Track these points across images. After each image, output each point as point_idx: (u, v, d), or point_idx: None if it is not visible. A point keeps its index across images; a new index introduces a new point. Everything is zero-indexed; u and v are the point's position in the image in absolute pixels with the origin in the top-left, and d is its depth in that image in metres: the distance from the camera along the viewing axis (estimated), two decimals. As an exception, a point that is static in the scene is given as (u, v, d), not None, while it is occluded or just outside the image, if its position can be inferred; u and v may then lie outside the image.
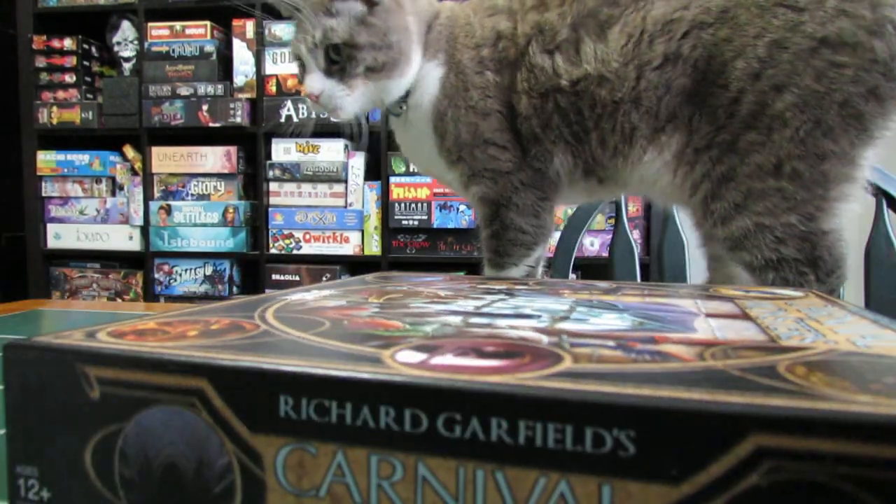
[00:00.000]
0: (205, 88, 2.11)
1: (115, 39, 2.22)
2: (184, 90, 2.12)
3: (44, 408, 0.22)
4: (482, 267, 0.65)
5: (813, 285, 0.47)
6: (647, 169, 0.56)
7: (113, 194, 2.23)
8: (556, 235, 2.08)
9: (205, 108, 2.11)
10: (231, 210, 2.14)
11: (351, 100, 0.60)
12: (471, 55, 0.61)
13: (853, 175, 0.48)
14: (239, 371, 0.20)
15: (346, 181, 2.10)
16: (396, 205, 2.03)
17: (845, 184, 0.48)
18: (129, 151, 2.21)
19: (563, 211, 1.97)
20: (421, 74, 0.61)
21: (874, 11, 0.45)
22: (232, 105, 2.09)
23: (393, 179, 2.04)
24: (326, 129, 2.10)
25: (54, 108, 2.16)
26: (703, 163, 0.51)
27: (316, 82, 0.60)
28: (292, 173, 2.10)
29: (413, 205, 2.02)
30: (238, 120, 2.09)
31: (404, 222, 2.04)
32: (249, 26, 2.12)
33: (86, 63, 2.25)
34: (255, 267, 2.17)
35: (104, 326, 0.25)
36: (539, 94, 0.58)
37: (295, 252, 2.12)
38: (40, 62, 2.21)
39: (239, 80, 2.13)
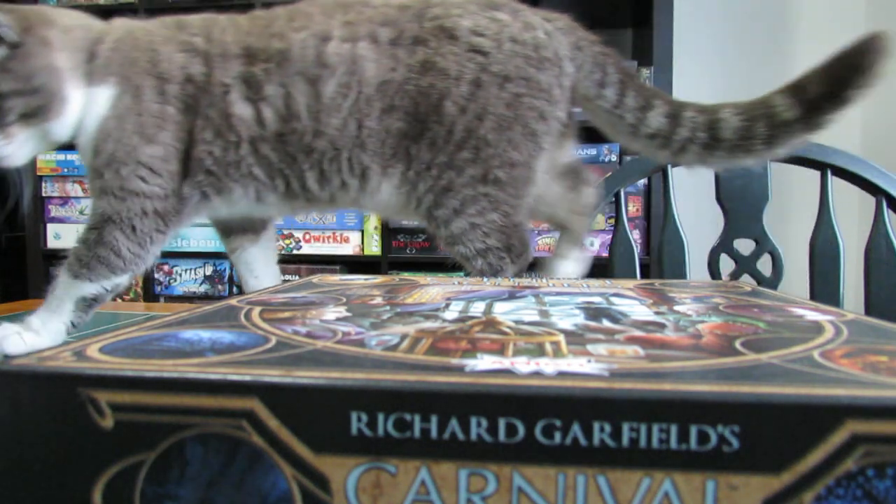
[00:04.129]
0: (205, 88, 2.10)
1: (114, 39, 2.22)
2: (184, 90, 2.11)
3: (37, 443, 0.19)
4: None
5: (508, 267, 0.60)
6: (380, 195, 0.63)
7: (113, 194, 2.23)
8: (557, 235, 2.08)
9: (205, 107, 2.10)
10: (231, 210, 2.14)
11: (13, 148, 0.58)
12: (152, 83, 0.60)
13: (533, 179, 0.61)
14: (300, 388, 0.18)
15: (345, 181, 2.10)
16: (396, 205, 2.03)
17: (529, 186, 0.60)
18: (129, 151, 2.21)
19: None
20: (87, 101, 0.60)
21: (537, 51, 0.58)
22: (232, 105, 2.09)
23: (393, 179, 2.03)
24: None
25: (54, 108, 2.16)
26: (425, 181, 0.60)
27: None
28: (292, 173, 2.10)
29: (413, 205, 2.02)
30: (238, 120, 2.08)
31: (404, 222, 2.03)
32: (249, 26, 2.12)
33: (86, 63, 2.24)
34: (254, 267, 2.17)
35: (89, 341, 0.23)
36: (229, 141, 0.60)
37: (295, 252, 2.11)
38: (40, 62, 2.21)
39: (239, 79, 2.13)
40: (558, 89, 0.60)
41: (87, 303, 0.60)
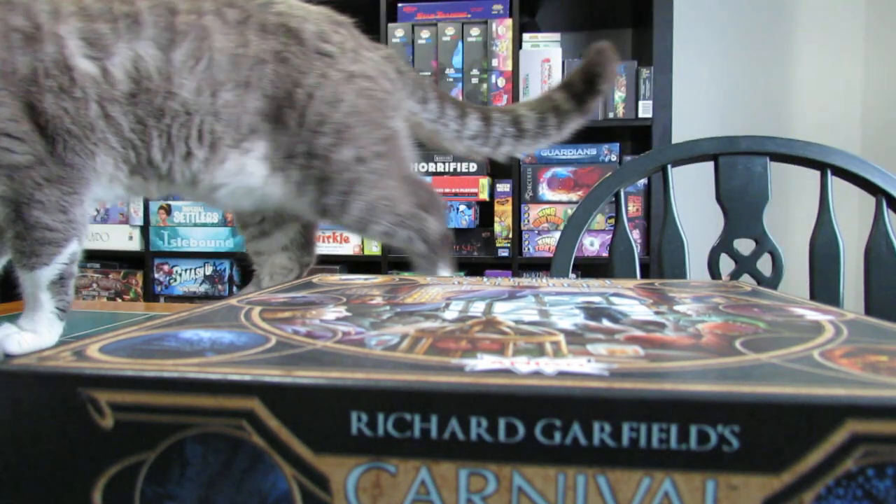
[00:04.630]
0: (205, 88, 2.11)
1: (114, 39, 2.22)
2: (184, 90, 2.11)
3: (37, 443, 0.19)
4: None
5: (431, 223, 0.63)
6: (232, 172, 0.63)
7: (113, 194, 2.23)
8: (556, 235, 2.08)
9: (205, 107, 2.10)
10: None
11: None
12: None
13: (402, 149, 0.65)
14: (300, 388, 0.18)
15: (345, 181, 2.10)
16: (396, 205, 2.03)
17: (402, 154, 0.65)
18: (129, 151, 2.21)
19: (563, 211, 1.97)
20: None
21: (375, 66, 0.64)
22: (232, 105, 2.09)
23: (393, 179, 2.03)
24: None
25: (54, 108, 2.16)
26: (294, 168, 0.63)
27: None
28: (292, 173, 2.10)
29: (413, 205, 2.02)
30: (238, 120, 2.09)
31: (404, 222, 2.03)
32: (249, 26, 2.12)
33: (85, 63, 2.24)
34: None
35: (88, 341, 0.23)
36: (76, 98, 0.58)
37: (295, 252, 2.11)
38: (40, 62, 2.21)
39: (239, 79, 2.13)
40: (395, 97, 0.66)
41: (59, 283, 0.59)
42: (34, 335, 0.57)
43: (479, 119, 0.70)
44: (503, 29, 1.98)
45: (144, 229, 2.19)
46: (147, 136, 0.61)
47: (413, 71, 0.70)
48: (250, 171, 0.64)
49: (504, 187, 2.01)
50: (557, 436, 0.17)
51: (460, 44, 2.01)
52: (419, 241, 0.64)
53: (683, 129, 2.19)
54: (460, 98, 2.01)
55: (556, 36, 2.02)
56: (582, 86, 0.70)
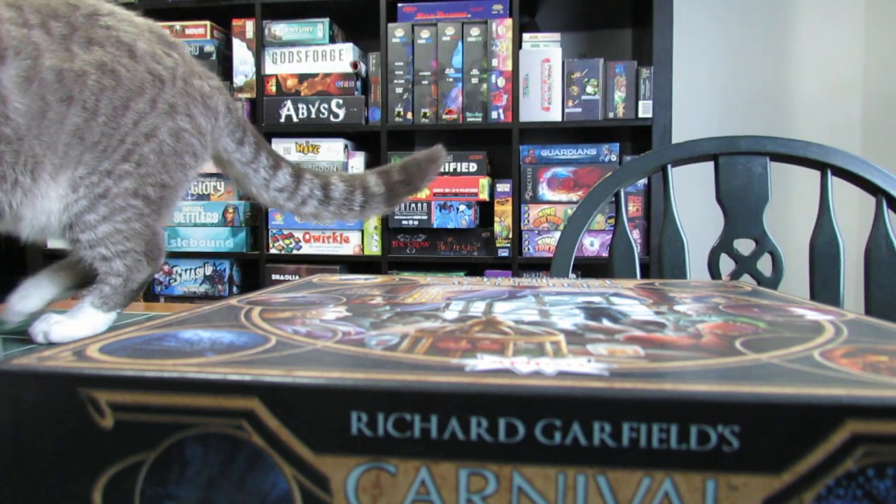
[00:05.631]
0: (205, 88, 2.11)
1: (114, 39, 2.22)
2: (184, 90, 2.11)
3: (37, 443, 0.19)
4: None
5: (144, 268, 0.64)
6: (47, 202, 0.60)
7: (113, 194, 2.23)
8: (556, 235, 2.08)
9: (205, 107, 2.10)
10: (231, 210, 2.14)
11: None
12: None
13: (176, 202, 0.66)
14: (300, 388, 0.18)
15: (345, 181, 2.10)
16: (396, 205, 2.03)
17: (173, 204, 0.65)
18: (129, 151, 2.21)
19: (563, 211, 1.97)
20: None
21: (203, 98, 0.64)
22: (232, 105, 2.09)
23: (393, 179, 2.03)
24: (326, 130, 2.10)
25: (54, 108, 2.16)
26: (85, 186, 0.61)
27: None
28: (292, 173, 2.10)
29: (413, 205, 2.02)
30: (238, 120, 2.09)
31: (404, 222, 2.03)
32: (249, 26, 2.12)
33: (85, 63, 2.24)
34: (255, 267, 2.17)
35: (88, 341, 0.23)
36: None
37: (295, 252, 2.11)
38: (40, 62, 2.21)
39: (239, 79, 2.13)
40: (210, 137, 0.66)
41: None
42: (74, 322, 0.57)
43: (291, 175, 0.71)
44: (503, 29, 1.98)
45: (144, 229, 2.18)
46: None
47: (239, 111, 0.70)
48: (52, 196, 0.60)
49: (504, 187, 2.01)
50: (557, 436, 0.17)
51: (460, 44, 2.01)
52: (122, 279, 0.63)
53: (683, 129, 2.19)
54: (461, 98, 2.01)
55: (556, 36, 2.02)
56: (398, 177, 0.72)
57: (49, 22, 0.59)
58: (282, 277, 2.10)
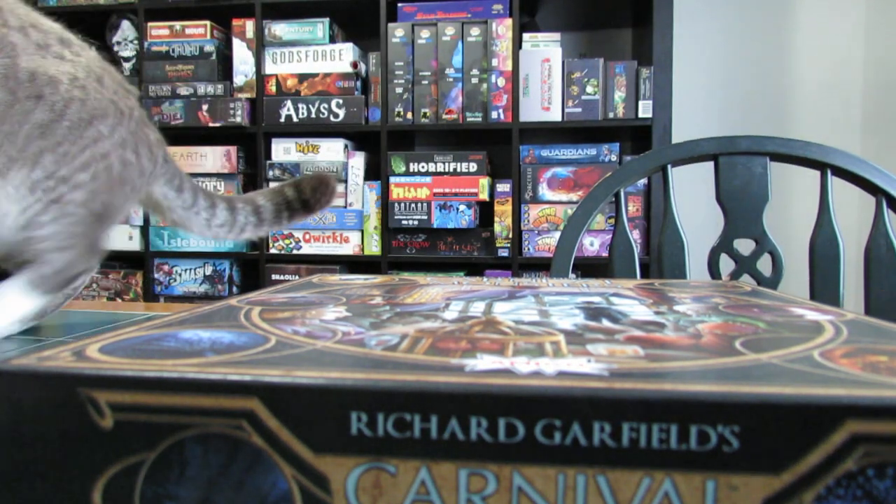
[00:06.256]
0: (205, 88, 2.11)
1: (114, 39, 2.22)
2: (183, 90, 2.11)
3: (37, 443, 0.19)
4: None
5: (85, 262, 0.65)
6: (4, 203, 0.60)
7: (113, 194, 2.23)
8: (556, 235, 2.08)
9: (204, 107, 2.10)
10: (231, 210, 2.14)
11: None
12: None
13: (113, 226, 0.68)
14: (300, 388, 0.18)
15: (345, 181, 2.10)
16: (396, 205, 2.03)
17: (110, 228, 0.68)
18: (129, 151, 2.21)
19: (563, 211, 1.97)
20: None
21: (149, 145, 0.67)
22: (232, 105, 2.09)
23: (393, 179, 2.03)
24: (326, 130, 2.11)
25: (54, 108, 2.16)
26: (42, 191, 0.61)
27: None
28: (292, 173, 2.10)
29: (413, 205, 2.02)
30: (238, 120, 2.09)
31: (404, 222, 2.03)
32: (249, 26, 2.12)
33: (85, 63, 2.24)
34: (254, 267, 2.17)
35: (88, 341, 0.23)
36: None
37: (295, 252, 2.11)
38: (40, 62, 2.21)
39: (239, 79, 2.13)
40: (146, 179, 0.69)
41: None
42: None
43: (227, 209, 0.76)
44: (503, 29, 1.98)
45: (144, 229, 2.18)
46: None
47: (175, 163, 0.75)
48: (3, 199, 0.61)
49: (504, 187, 2.01)
50: (557, 436, 0.17)
51: (460, 44, 2.01)
52: (52, 271, 0.62)
53: (683, 129, 2.19)
54: (461, 98, 2.01)
55: (556, 36, 2.02)
56: (309, 193, 0.80)
57: (28, 28, 0.60)
58: (282, 277, 2.10)
